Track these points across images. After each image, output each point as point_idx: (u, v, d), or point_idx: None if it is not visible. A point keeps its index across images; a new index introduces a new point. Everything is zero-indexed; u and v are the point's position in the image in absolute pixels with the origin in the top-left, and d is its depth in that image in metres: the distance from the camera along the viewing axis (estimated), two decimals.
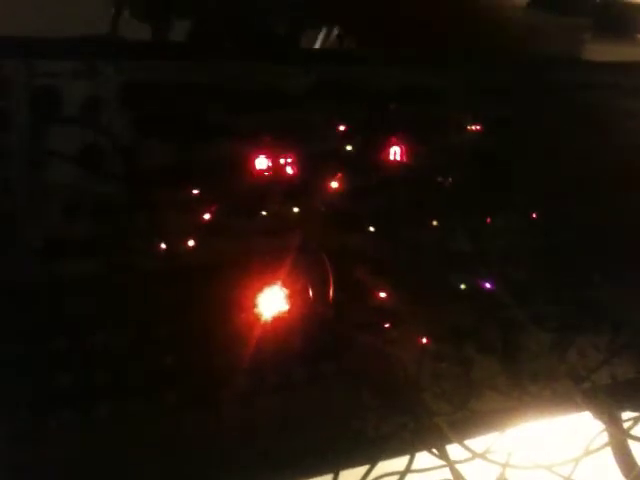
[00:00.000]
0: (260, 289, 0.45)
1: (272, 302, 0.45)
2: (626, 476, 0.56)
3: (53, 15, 0.68)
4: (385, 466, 0.48)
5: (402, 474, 0.47)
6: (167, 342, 0.43)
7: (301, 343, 0.46)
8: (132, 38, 0.51)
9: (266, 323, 0.45)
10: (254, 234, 0.46)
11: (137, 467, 0.42)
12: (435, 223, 0.49)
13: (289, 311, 0.45)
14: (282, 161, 0.46)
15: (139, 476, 0.42)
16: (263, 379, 0.45)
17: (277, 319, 0.45)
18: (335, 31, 0.77)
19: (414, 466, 0.48)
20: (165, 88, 0.43)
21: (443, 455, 0.47)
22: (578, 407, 0.53)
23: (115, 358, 0.41)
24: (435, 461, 0.49)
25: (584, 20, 0.86)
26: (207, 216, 0.43)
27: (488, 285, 0.49)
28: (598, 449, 0.55)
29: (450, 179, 0.50)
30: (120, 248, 0.41)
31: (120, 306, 0.41)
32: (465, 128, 0.50)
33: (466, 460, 0.49)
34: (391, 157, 0.48)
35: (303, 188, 0.46)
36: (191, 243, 0.43)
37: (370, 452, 0.47)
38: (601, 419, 0.53)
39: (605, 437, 0.56)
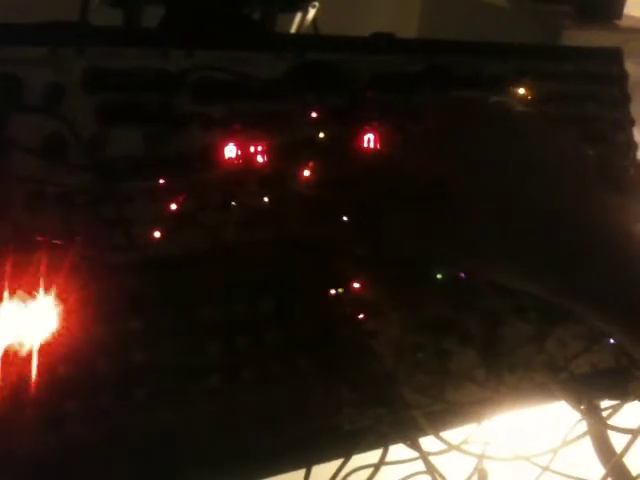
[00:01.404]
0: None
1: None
2: (605, 466, 0.56)
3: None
4: (359, 459, 0.47)
5: (376, 466, 0.46)
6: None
7: (275, 337, 0.45)
8: (96, 24, 0.50)
9: (238, 316, 0.44)
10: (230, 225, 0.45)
11: (110, 465, 0.41)
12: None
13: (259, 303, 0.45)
14: (253, 150, 0.45)
15: (110, 475, 0.41)
16: (236, 375, 0.44)
17: (251, 313, 0.45)
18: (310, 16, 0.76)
19: (388, 458, 0.47)
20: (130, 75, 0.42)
21: (416, 447, 0.47)
22: (555, 397, 0.53)
23: None
24: (410, 453, 0.48)
25: (564, 6, 0.86)
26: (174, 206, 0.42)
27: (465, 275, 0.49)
28: (577, 439, 0.54)
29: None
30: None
31: None
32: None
33: (442, 452, 0.49)
34: (365, 145, 0.48)
35: (275, 177, 0.45)
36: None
37: (345, 446, 0.46)
38: (577, 409, 0.52)
39: (584, 426, 0.55)
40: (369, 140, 0.47)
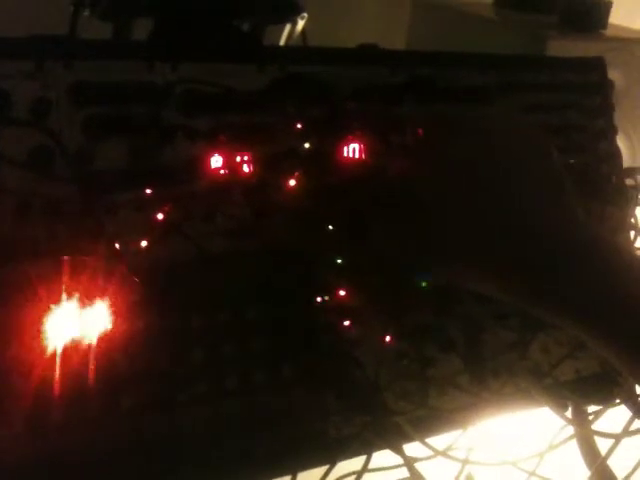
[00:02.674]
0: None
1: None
2: (590, 468, 0.56)
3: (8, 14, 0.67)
4: (345, 466, 0.48)
5: (359, 474, 0.47)
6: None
7: (260, 345, 0.45)
8: (83, 37, 0.51)
9: (225, 324, 0.45)
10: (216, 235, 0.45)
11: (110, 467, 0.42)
12: None
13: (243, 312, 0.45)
14: (238, 160, 0.46)
15: (109, 476, 0.42)
16: (223, 382, 0.45)
17: (233, 320, 0.45)
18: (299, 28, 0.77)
19: (373, 465, 0.48)
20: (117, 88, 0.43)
21: (401, 453, 0.47)
22: (539, 403, 0.53)
23: None
24: (396, 459, 0.49)
25: (550, 17, 0.87)
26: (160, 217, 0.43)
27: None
28: (562, 443, 0.55)
29: None
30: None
31: None
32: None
33: (428, 458, 0.49)
34: (347, 155, 0.48)
35: (260, 188, 0.46)
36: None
37: (330, 453, 0.46)
38: (561, 415, 0.53)
39: (570, 430, 0.56)
40: (351, 150, 0.48)
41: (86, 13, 0.67)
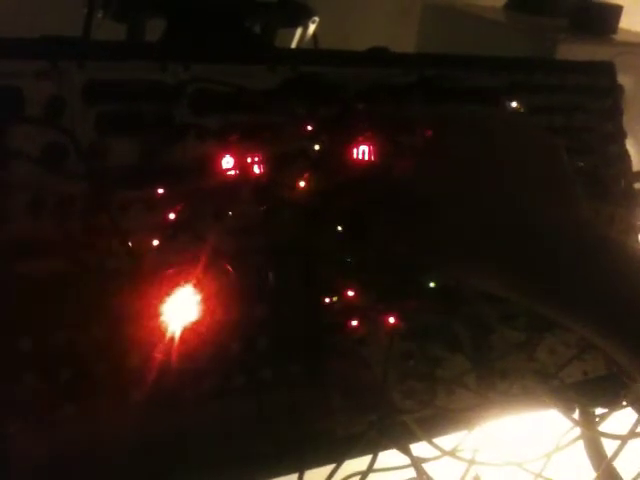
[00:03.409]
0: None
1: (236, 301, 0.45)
2: (596, 470, 0.56)
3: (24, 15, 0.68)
4: (352, 465, 0.48)
5: (364, 474, 0.47)
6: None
7: (267, 343, 0.46)
8: (96, 38, 0.51)
9: (233, 322, 0.45)
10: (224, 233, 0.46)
11: (109, 467, 0.42)
12: None
13: (252, 310, 0.46)
14: (248, 160, 0.46)
15: (108, 476, 0.42)
16: (229, 379, 0.45)
17: (242, 319, 0.45)
18: (310, 31, 0.77)
19: (381, 465, 0.48)
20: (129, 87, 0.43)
21: (408, 453, 0.47)
22: (546, 404, 0.53)
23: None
24: (403, 459, 0.49)
25: (560, 20, 0.87)
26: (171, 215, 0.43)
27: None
28: (569, 444, 0.55)
29: None
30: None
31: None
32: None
33: (435, 458, 0.49)
34: (359, 156, 0.49)
35: (269, 187, 0.46)
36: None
37: (337, 451, 0.47)
38: (568, 416, 0.53)
39: (576, 432, 0.56)
40: (360, 151, 0.48)
41: (99, 14, 0.68)
